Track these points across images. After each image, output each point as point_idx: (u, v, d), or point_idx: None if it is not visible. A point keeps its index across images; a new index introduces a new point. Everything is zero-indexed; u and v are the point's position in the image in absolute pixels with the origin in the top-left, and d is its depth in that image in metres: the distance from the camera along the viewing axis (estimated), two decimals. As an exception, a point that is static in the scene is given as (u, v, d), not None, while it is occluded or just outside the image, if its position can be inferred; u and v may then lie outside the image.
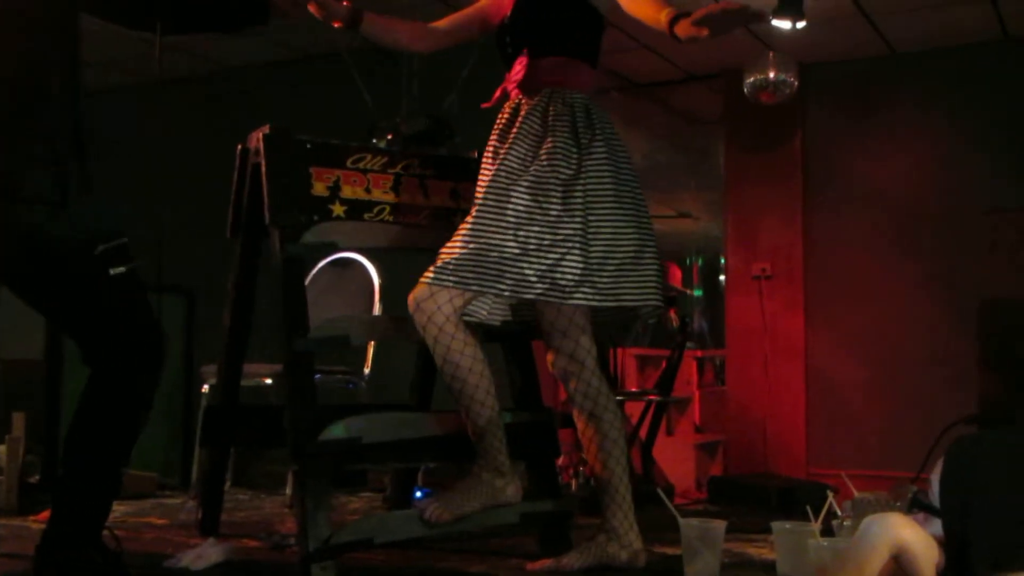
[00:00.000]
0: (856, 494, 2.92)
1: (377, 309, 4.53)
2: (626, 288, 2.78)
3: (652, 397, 5.39)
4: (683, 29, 2.66)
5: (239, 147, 3.34)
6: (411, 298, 2.76)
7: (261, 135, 3.11)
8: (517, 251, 2.69)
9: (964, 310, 5.52)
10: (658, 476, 5.43)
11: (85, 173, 2.57)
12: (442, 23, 3.24)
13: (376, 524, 2.93)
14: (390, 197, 3.25)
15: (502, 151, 2.84)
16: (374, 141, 5.05)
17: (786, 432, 6.20)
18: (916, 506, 2.69)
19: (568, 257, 2.69)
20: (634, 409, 5.53)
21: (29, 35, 2.54)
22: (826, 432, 6.13)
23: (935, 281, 5.90)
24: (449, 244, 2.78)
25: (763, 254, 6.37)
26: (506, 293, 2.70)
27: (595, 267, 2.73)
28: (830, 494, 2.87)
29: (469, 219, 2.77)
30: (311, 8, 2.99)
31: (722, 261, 7.20)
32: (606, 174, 2.81)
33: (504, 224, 2.72)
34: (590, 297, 2.73)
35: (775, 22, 5.14)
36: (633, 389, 6.12)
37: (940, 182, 5.98)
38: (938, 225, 5.92)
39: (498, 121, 2.96)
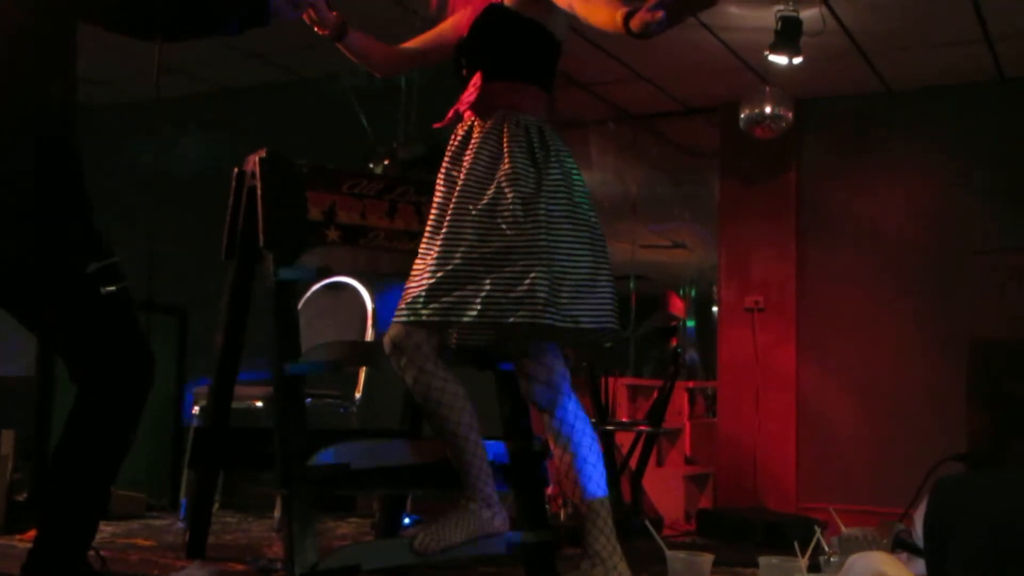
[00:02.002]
0: (844, 530, 2.92)
1: (370, 334, 4.53)
2: (582, 310, 2.78)
3: (643, 428, 5.39)
4: (636, 21, 2.59)
5: (236, 170, 3.35)
6: (387, 339, 2.76)
7: (258, 158, 3.12)
8: (484, 276, 2.69)
9: (955, 347, 5.52)
10: (647, 507, 5.42)
11: (77, 189, 2.57)
12: (411, 44, 3.24)
13: (364, 551, 2.92)
14: (385, 223, 3.26)
15: (458, 175, 2.84)
16: (371, 166, 5.08)
17: (776, 465, 6.19)
18: (899, 545, 2.70)
19: (538, 278, 2.68)
20: (625, 439, 5.53)
21: (22, 44, 2.54)
22: (816, 466, 6.13)
23: (926, 318, 5.91)
24: (415, 276, 2.77)
25: (756, 287, 6.39)
26: (482, 320, 2.69)
27: (556, 288, 2.73)
28: (818, 530, 2.87)
29: (433, 248, 2.76)
30: (305, 15, 3.00)
31: (715, 293, 7.22)
32: (561, 195, 2.81)
33: (468, 248, 2.71)
34: (557, 319, 2.71)
35: (772, 57, 5.19)
36: (624, 419, 6.12)
37: (932, 220, 6.01)
38: (930, 263, 5.95)
39: (451, 143, 2.95)
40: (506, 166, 2.78)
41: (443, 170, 2.90)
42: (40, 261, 2.51)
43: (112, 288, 2.55)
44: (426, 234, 2.86)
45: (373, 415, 4.55)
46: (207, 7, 2.80)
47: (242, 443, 3.48)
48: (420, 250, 2.85)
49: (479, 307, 2.66)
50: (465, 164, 2.83)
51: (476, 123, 2.89)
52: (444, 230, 2.76)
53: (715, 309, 7.30)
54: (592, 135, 7.19)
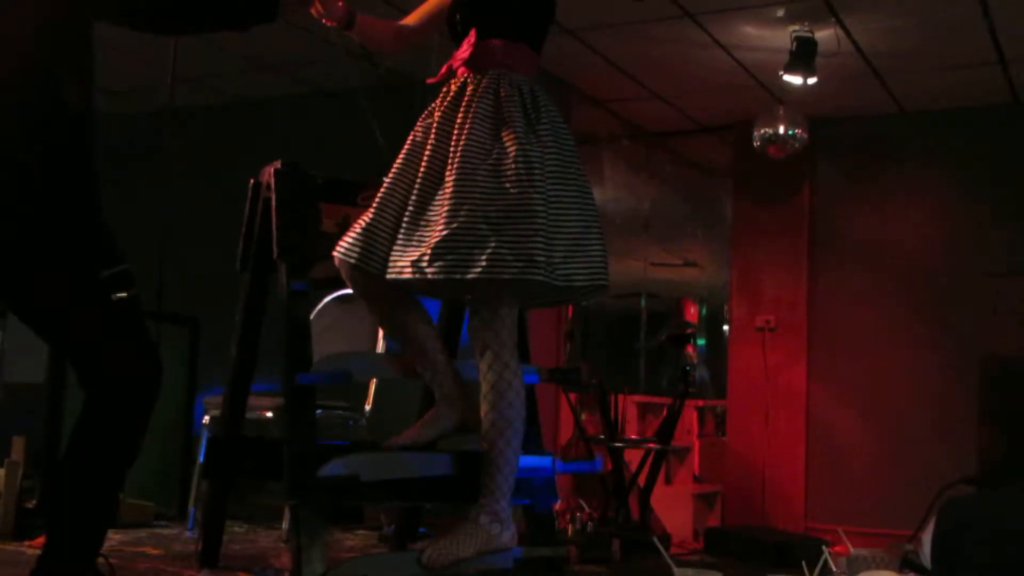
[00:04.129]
0: (852, 550, 2.91)
1: (380, 347, 4.53)
2: (575, 268, 2.79)
3: (652, 445, 5.38)
4: None
5: (251, 181, 3.36)
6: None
7: (273, 170, 3.14)
8: (489, 234, 2.69)
9: (965, 369, 5.52)
10: (655, 524, 5.41)
11: (92, 196, 2.58)
12: (412, 18, 3.27)
13: (371, 563, 2.93)
14: (398, 235, 3.26)
15: (452, 131, 2.84)
16: (384, 179, 5.09)
17: (785, 485, 6.18)
18: (907, 566, 2.69)
19: (536, 237, 2.69)
20: (633, 456, 5.52)
21: (40, 43, 2.55)
22: (825, 486, 6.11)
23: (937, 339, 5.90)
24: (420, 232, 2.75)
25: (767, 306, 6.38)
26: (482, 276, 2.68)
27: (550, 246, 2.73)
28: (825, 549, 2.86)
29: (442, 204, 2.73)
30: (312, 8, 3.02)
31: (726, 311, 7.22)
32: (551, 155, 2.83)
33: (473, 207, 2.71)
34: (552, 277, 2.72)
35: (787, 77, 5.20)
36: (633, 436, 6.12)
37: (945, 241, 6.00)
38: (941, 284, 5.94)
39: (443, 97, 2.95)
40: (506, 127, 2.80)
41: (435, 122, 2.89)
42: (48, 267, 2.52)
43: (123, 295, 2.56)
44: (390, 178, 2.84)
45: (382, 427, 4.55)
46: (221, 4, 2.83)
47: (256, 453, 3.48)
48: (385, 195, 2.82)
49: (484, 264, 2.66)
50: (459, 122, 2.83)
51: (470, 79, 2.91)
52: (449, 189, 2.74)
53: (726, 328, 7.29)
54: (605, 152, 7.20)
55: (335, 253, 2.84)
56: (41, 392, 4.76)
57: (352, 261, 2.80)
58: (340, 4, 3.08)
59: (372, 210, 2.85)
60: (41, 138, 2.52)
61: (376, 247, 2.80)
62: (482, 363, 2.81)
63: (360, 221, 2.85)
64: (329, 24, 3.09)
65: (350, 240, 2.83)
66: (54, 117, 2.53)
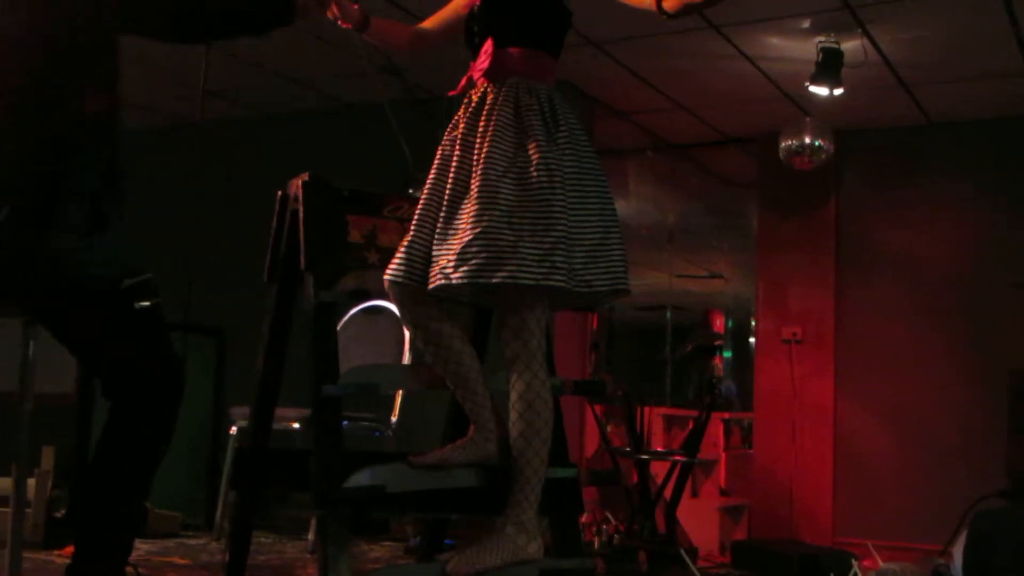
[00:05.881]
0: (881, 564, 2.89)
1: (407, 358, 4.54)
2: (595, 273, 2.80)
3: (678, 458, 5.37)
4: (671, 2, 2.66)
5: (279, 193, 3.38)
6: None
7: (300, 182, 3.15)
8: (514, 240, 2.71)
9: (994, 382, 5.48)
10: (681, 538, 5.39)
11: (116, 207, 2.61)
12: (430, 22, 3.29)
13: (397, 574, 2.92)
14: (425, 247, 3.27)
15: (475, 141, 2.86)
16: (411, 191, 5.11)
17: (812, 498, 6.14)
18: (940, 578, 2.67)
19: (557, 243, 2.71)
20: (659, 469, 5.50)
21: (53, 56, 2.57)
22: (853, 500, 6.07)
23: (965, 352, 5.86)
24: (418, 237, 2.79)
25: (794, 318, 6.36)
26: (506, 281, 2.70)
27: (570, 252, 2.75)
28: (855, 563, 2.85)
29: (467, 212, 2.76)
30: (328, 11, 3.05)
31: (752, 323, 7.19)
32: (568, 161, 2.84)
33: (500, 214, 2.72)
34: (572, 284, 2.73)
35: (812, 88, 5.19)
36: (659, 449, 6.10)
37: (972, 253, 5.96)
38: (969, 296, 5.90)
39: (464, 108, 2.96)
40: (527, 136, 2.81)
41: (459, 134, 2.91)
42: (76, 274, 2.55)
43: (146, 304, 2.59)
44: (425, 195, 2.86)
45: (408, 439, 4.56)
46: (238, 8, 2.86)
47: (283, 464, 3.49)
48: (422, 212, 2.84)
49: (508, 269, 2.67)
50: (481, 131, 2.85)
51: (489, 89, 2.92)
52: (474, 197, 2.76)
53: (752, 340, 7.27)
54: (630, 164, 7.20)
55: (385, 277, 2.86)
56: (69, 403, 4.80)
57: (399, 280, 2.82)
58: (355, 7, 3.11)
59: (411, 229, 2.87)
60: (53, 148, 2.53)
61: (416, 263, 2.83)
62: (511, 373, 2.82)
63: (403, 242, 2.88)
64: (345, 26, 3.12)
65: (396, 262, 2.85)
66: (73, 131, 2.55)
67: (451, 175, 2.86)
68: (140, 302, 2.58)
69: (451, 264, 2.71)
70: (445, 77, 3.73)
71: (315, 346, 2.99)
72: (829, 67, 5.05)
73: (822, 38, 5.02)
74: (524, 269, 2.69)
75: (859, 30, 4.92)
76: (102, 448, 2.59)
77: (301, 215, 3.12)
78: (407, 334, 4.62)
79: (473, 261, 2.70)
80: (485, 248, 2.70)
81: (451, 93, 3.06)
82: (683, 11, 2.69)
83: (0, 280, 2.55)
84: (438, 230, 2.81)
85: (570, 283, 2.73)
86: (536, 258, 2.69)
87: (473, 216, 2.74)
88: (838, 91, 5.15)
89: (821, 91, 5.18)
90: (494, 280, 2.69)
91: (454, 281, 2.70)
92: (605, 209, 2.89)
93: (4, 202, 2.48)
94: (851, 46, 5.03)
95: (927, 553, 4.08)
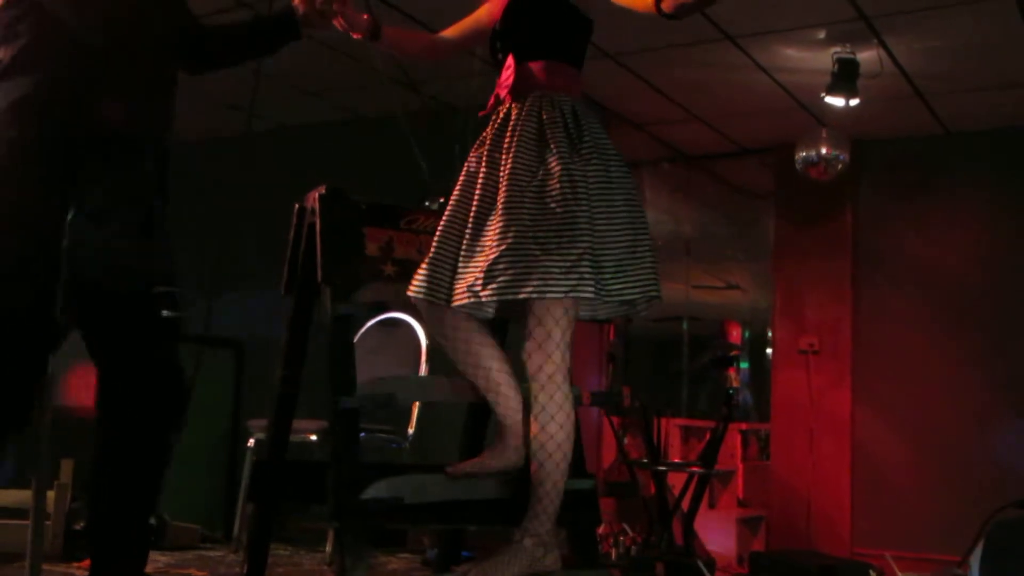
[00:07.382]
0: (900, 575, 2.88)
1: (424, 370, 4.55)
2: (625, 283, 2.80)
3: (695, 469, 5.36)
4: (668, 3, 2.66)
5: (296, 205, 3.39)
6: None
7: (317, 195, 3.17)
8: (539, 254, 2.71)
9: (1012, 391, 5.46)
10: (699, 549, 5.38)
11: (163, 213, 2.69)
12: (449, 32, 3.29)
13: (415, 585, 2.92)
14: (441, 260, 3.28)
15: (500, 157, 2.87)
16: (427, 204, 5.13)
17: (830, 509, 6.12)
18: (958, 590, 2.66)
19: (584, 254, 2.71)
20: (677, 480, 5.49)
21: (158, 99, 2.79)
22: (871, 510, 6.04)
23: (983, 362, 5.84)
24: (442, 254, 2.81)
25: (811, 328, 6.34)
26: (533, 296, 2.71)
27: (599, 262, 2.75)
28: (872, 573, 2.84)
29: (493, 228, 2.78)
30: (336, 21, 3.06)
31: (769, 334, 7.18)
32: (593, 171, 2.84)
33: (523, 228, 2.73)
34: (602, 293, 2.74)
35: (828, 99, 5.18)
36: (676, 460, 6.09)
37: (989, 263, 5.94)
38: (986, 306, 5.88)
39: (492, 125, 2.97)
40: (550, 148, 2.82)
41: (486, 151, 2.92)
42: (121, 274, 2.61)
43: (170, 314, 2.65)
44: (449, 210, 2.88)
45: (425, 450, 4.56)
46: (250, 36, 2.93)
47: (301, 476, 3.50)
48: (445, 226, 2.86)
49: (535, 283, 2.68)
50: (505, 146, 2.86)
51: (514, 105, 2.93)
52: (500, 213, 2.77)
53: (769, 351, 7.26)
54: (646, 175, 7.20)
55: (409, 292, 2.87)
56: (90, 415, 4.81)
57: (421, 296, 2.83)
58: (365, 17, 3.11)
59: (434, 243, 2.88)
60: (161, 181, 2.76)
61: (440, 279, 2.83)
62: (534, 384, 2.83)
63: (426, 256, 2.89)
64: (356, 37, 3.13)
65: (419, 277, 2.86)
66: (167, 162, 2.79)
67: (477, 191, 2.87)
68: (167, 311, 2.64)
69: (479, 281, 2.72)
70: (461, 90, 3.75)
71: (332, 358, 3.00)
72: (845, 78, 5.04)
73: (838, 49, 5.02)
74: (551, 282, 2.69)
75: (875, 40, 4.92)
76: (107, 461, 2.64)
77: (318, 228, 3.13)
78: (424, 346, 4.63)
79: (501, 278, 2.70)
80: (512, 265, 2.71)
81: (481, 114, 3.07)
82: (680, 11, 2.68)
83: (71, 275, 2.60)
84: (464, 246, 2.82)
85: (599, 293, 2.74)
86: (563, 270, 2.70)
87: (499, 233, 2.75)
88: (854, 102, 5.15)
89: (837, 102, 5.17)
90: (521, 295, 2.70)
91: (483, 298, 2.71)
92: (634, 218, 2.88)
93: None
94: (867, 56, 5.03)
95: (945, 563, 4.06)
